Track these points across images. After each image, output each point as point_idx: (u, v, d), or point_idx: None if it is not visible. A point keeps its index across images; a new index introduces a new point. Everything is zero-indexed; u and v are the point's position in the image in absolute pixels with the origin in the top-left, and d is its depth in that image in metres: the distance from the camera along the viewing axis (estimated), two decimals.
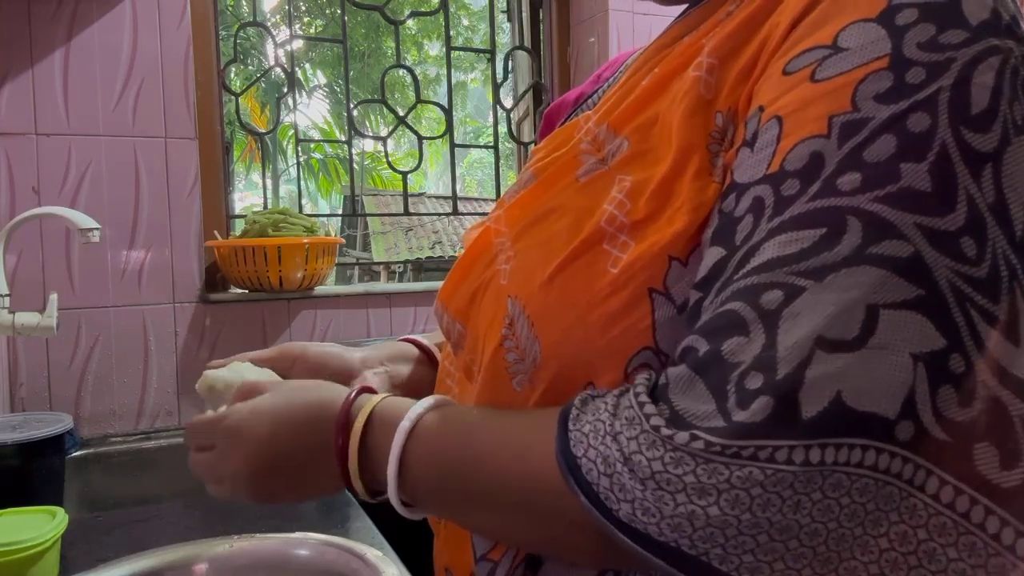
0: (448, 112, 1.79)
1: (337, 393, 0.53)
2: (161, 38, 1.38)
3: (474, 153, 14.10)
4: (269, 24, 7.63)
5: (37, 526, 0.75)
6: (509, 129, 1.89)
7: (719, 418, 0.35)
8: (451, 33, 1.79)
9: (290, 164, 12.08)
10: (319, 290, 1.52)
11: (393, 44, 5.96)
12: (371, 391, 0.53)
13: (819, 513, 0.33)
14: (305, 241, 1.45)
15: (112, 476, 1.29)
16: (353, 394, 0.51)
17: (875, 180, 0.35)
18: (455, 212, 1.98)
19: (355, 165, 2.45)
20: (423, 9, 2.79)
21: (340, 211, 9.97)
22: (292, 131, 2.05)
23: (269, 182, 9.51)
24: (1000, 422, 0.34)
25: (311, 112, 12.60)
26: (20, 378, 1.31)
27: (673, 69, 0.46)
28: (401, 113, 1.78)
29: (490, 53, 1.85)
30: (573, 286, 0.43)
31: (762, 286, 0.36)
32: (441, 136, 1.86)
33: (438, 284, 0.54)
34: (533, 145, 0.53)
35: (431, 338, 0.74)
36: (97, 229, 1.08)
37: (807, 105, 0.38)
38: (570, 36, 1.85)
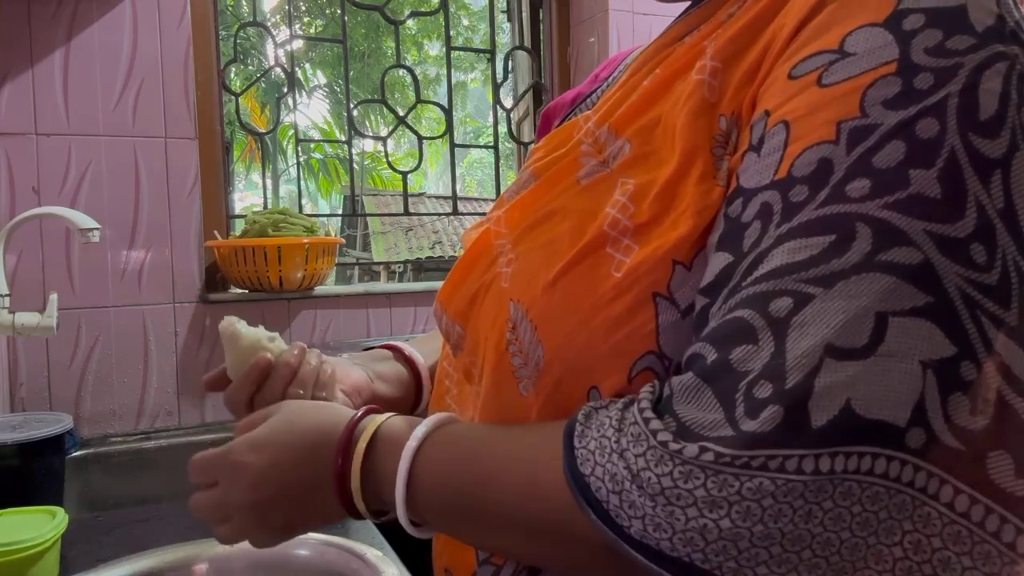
0: (448, 112, 1.79)
1: (341, 416, 0.52)
2: (161, 38, 1.38)
3: (474, 153, 14.10)
4: (269, 24, 7.63)
5: (37, 526, 0.75)
6: (509, 129, 1.89)
7: (728, 427, 0.34)
8: (451, 33, 1.79)
9: (290, 164, 12.09)
10: (319, 290, 1.52)
11: (393, 44, 5.96)
12: (377, 411, 0.52)
13: (831, 522, 0.33)
14: (305, 241, 1.45)
15: (112, 476, 1.29)
16: (358, 415, 0.51)
17: (884, 187, 0.35)
18: (455, 212, 1.98)
19: (355, 165, 2.45)
20: (423, 9, 2.79)
21: (340, 211, 9.97)
22: (292, 131, 2.05)
23: (269, 182, 9.51)
24: (1013, 429, 0.34)
25: (311, 112, 12.61)
26: (20, 378, 1.31)
27: (675, 71, 0.46)
28: (401, 113, 1.78)
29: (490, 53, 1.85)
30: (576, 290, 0.43)
31: (771, 293, 0.36)
32: (441, 136, 1.86)
33: (438, 284, 0.54)
34: (533, 145, 0.53)
35: (415, 343, 0.74)
36: (97, 229, 1.08)
37: (815, 110, 0.37)
38: (570, 36, 1.85)
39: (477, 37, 11.76)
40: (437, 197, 8.33)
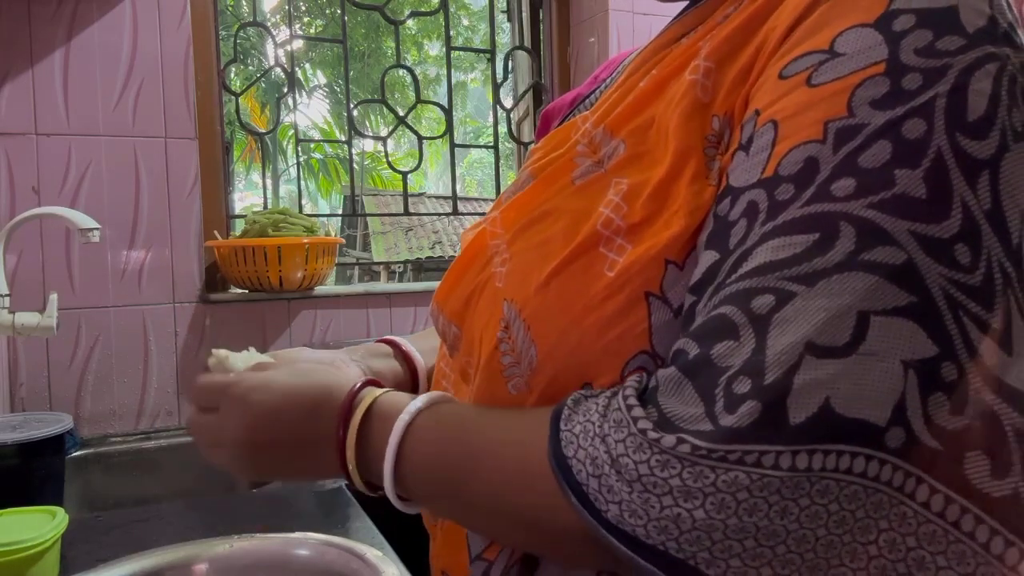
0: (448, 112, 1.79)
1: (346, 380, 0.52)
2: (161, 38, 1.38)
3: (474, 153, 14.10)
4: (269, 24, 7.63)
5: (37, 526, 0.75)
6: (509, 129, 1.89)
7: (706, 422, 0.35)
8: (451, 33, 1.79)
9: (290, 164, 12.09)
10: (319, 290, 1.52)
11: (393, 44, 5.96)
12: (377, 384, 0.53)
13: (807, 519, 0.33)
14: (305, 241, 1.45)
15: (112, 476, 1.30)
16: (358, 385, 0.51)
17: (869, 186, 0.35)
18: (455, 212, 1.98)
19: (355, 165, 2.45)
20: (423, 9, 2.80)
21: (340, 211, 9.97)
22: (292, 131, 2.05)
23: (269, 182, 9.51)
24: (992, 431, 0.34)
25: (311, 112, 12.61)
26: (20, 378, 1.31)
27: (670, 72, 0.46)
28: (401, 113, 1.78)
29: (490, 53, 1.85)
30: (569, 290, 0.43)
31: (754, 290, 0.36)
32: (441, 136, 1.86)
33: (438, 284, 0.54)
34: (532, 145, 0.53)
35: (414, 340, 0.74)
36: (97, 229, 1.08)
37: (803, 110, 0.37)
38: (570, 36, 1.85)
39: (477, 37, 11.76)
40: (437, 197, 8.34)
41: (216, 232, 1.48)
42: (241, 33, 5.23)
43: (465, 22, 11.98)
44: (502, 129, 1.86)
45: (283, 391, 0.52)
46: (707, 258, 0.40)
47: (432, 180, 14.56)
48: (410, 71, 1.90)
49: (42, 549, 0.73)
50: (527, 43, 1.87)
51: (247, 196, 13.67)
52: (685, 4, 0.52)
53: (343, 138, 1.85)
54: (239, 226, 1.60)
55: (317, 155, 12.50)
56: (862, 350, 0.33)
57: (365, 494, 0.52)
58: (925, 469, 0.34)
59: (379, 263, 6.99)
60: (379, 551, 0.70)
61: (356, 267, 2.16)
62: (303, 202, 4.76)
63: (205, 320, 1.43)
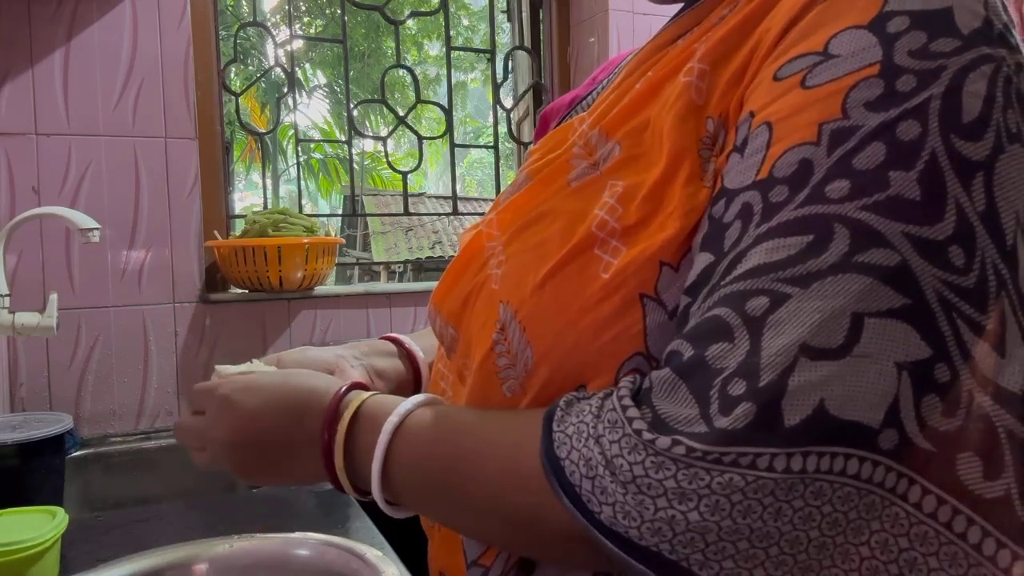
0: (448, 112, 1.79)
1: (330, 384, 0.53)
2: (161, 38, 1.38)
3: (474, 153, 14.10)
4: (269, 24, 7.63)
5: (37, 526, 0.75)
6: (509, 129, 1.89)
7: (701, 424, 0.35)
8: (451, 33, 1.79)
9: (290, 164, 12.09)
10: (319, 290, 1.52)
11: (393, 44, 5.96)
12: (363, 387, 0.53)
13: (800, 521, 0.33)
14: (305, 241, 1.45)
15: (112, 476, 1.30)
16: (344, 388, 0.51)
17: (863, 188, 0.35)
18: (455, 212, 1.98)
19: (355, 165, 2.45)
20: (423, 9, 2.80)
21: (340, 211, 9.97)
22: (292, 131, 2.05)
23: (269, 182, 9.51)
24: (984, 433, 0.34)
25: (311, 112, 12.61)
26: (20, 378, 1.31)
27: (665, 74, 0.46)
28: (401, 113, 1.78)
29: (490, 53, 1.85)
30: (564, 291, 0.43)
31: (748, 292, 0.36)
32: (441, 136, 1.86)
33: (436, 286, 0.54)
34: (531, 146, 0.53)
35: (418, 337, 0.74)
36: (97, 229, 1.08)
37: (797, 111, 0.37)
38: (570, 36, 1.85)
39: (477, 37, 11.76)
40: (437, 197, 8.33)
41: (216, 232, 1.47)
42: (241, 33, 5.23)
43: (465, 22, 11.98)
44: (502, 129, 1.86)
45: (266, 392, 0.53)
46: (702, 260, 0.40)
47: (432, 180, 14.56)
48: (410, 71, 1.90)
49: (42, 549, 0.73)
50: (527, 43, 1.87)
51: (247, 196, 13.67)
52: (682, 5, 0.52)
53: (343, 138, 1.85)
54: (239, 226, 1.59)
55: (317, 155, 12.50)
56: (856, 352, 0.33)
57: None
58: (918, 470, 0.34)
59: (379, 263, 6.99)
60: (379, 551, 0.70)
61: (356, 267, 2.16)
62: (303, 202, 4.76)
63: (205, 320, 1.43)
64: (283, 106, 1.69)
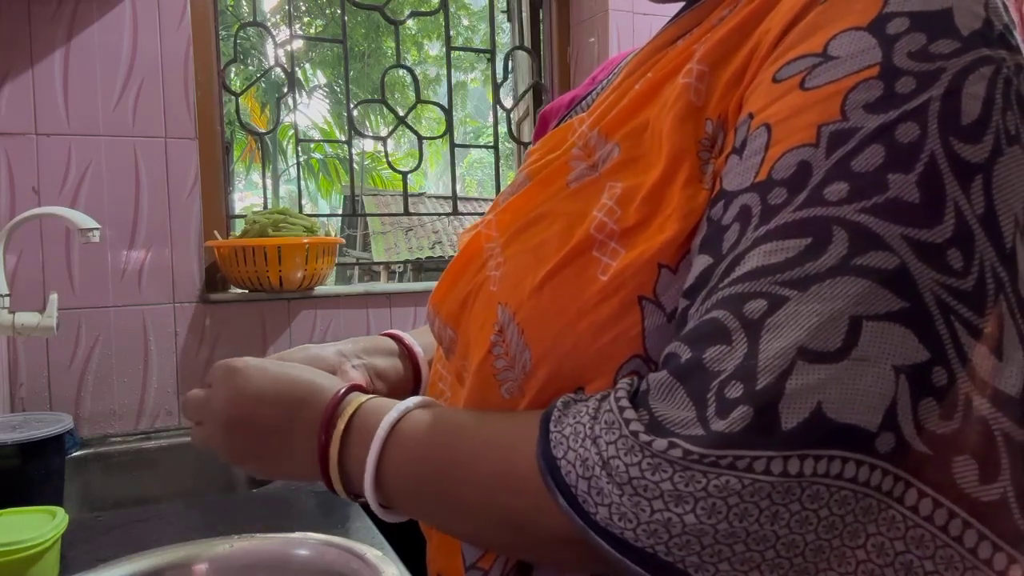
0: (448, 112, 1.79)
1: (332, 383, 0.53)
2: (161, 38, 1.38)
3: (474, 153, 14.10)
4: (269, 24, 7.63)
5: (37, 526, 0.75)
6: (509, 129, 1.89)
7: (698, 426, 0.35)
8: (451, 33, 1.79)
9: (290, 164, 12.09)
10: (319, 290, 1.52)
11: (393, 44, 5.96)
12: (361, 389, 0.53)
13: (797, 524, 0.33)
14: (305, 241, 1.45)
15: (112, 476, 1.30)
16: (342, 391, 0.51)
17: (862, 191, 0.35)
18: (455, 212, 1.98)
19: (355, 165, 2.45)
20: (423, 9, 2.80)
21: (340, 211, 9.97)
22: (292, 131, 2.05)
23: (269, 182, 9.51)
24: (981, 436, 0.34)
25: (311, 112, 12.60)
26: (20, 378, 1.31)
27: (665, 75, 0.46)
28: (401, 113, 1.78)
29: (490, 53, 1.85)
30: (563, 293, 0.43)
31: (746, 295, 0.36)
32: (441, 136, 1.86)
33: (435, 287, 0.54)
34: (531, 147, 0.53)
35: (419, 335, 0.74)
36: (97, 229, 1.08)
37: (796, 113, 0.37)
38: (570, 36, 1.85)
39: (477, 37, 11.76)
40: (437, 197, 8.33)
41: (216, 232, 1.47)
42: (241, 33, 5.23)
43: (465, 22, 11.98)
44: (502, 129, 1.86)
45: (272, 376, 0.53)
46: (700, 262, 0.39)
47: (432, 180, 14.55)
48: (410, 71, 1.90)
49: (42, 549, 0.73)
50: (527, 43, 1.87)
51: (247, 196, 13.66)
52: (682, 5, 0.52)
53: (343, 138, 1.85)
54: (239, 226, 1.59)
55: (317, 155, 12.50)
56: (854, 355, 0.33)
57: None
58: (914, 473, 0.34)
59: (379, 263, 6.99)
60: (379, 551, 0.70)
61: (356, 267, 2.16)
62: (303, 202, 4.76)
63: (205, 320, 1.43)
64: (283, 106, 1.69)
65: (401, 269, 6.71)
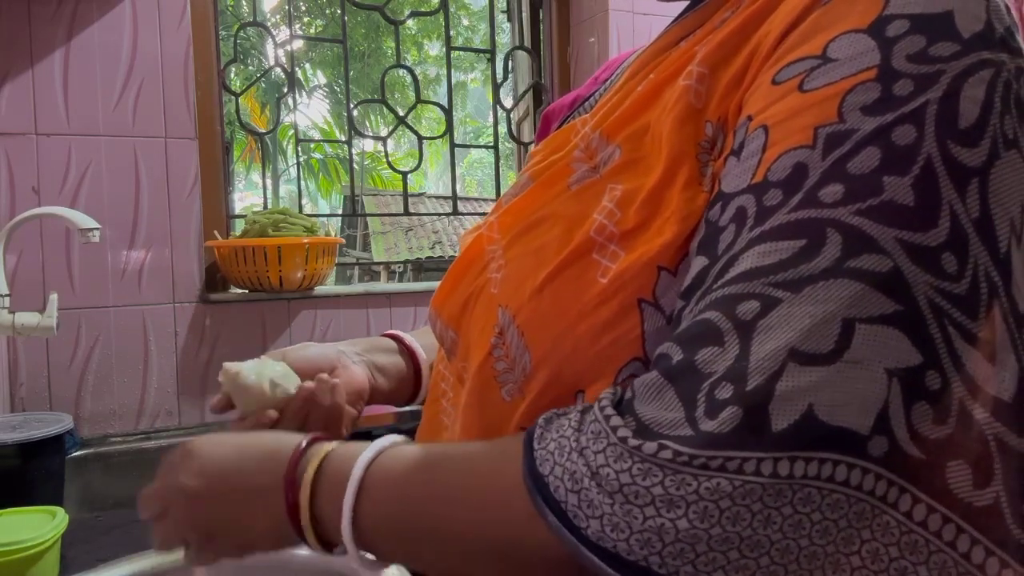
0: (448, 112, 1.79)
1: (297, 437, 0.50)
2: (161, 38, 1.38)
3: (474, 153, 14.10)
4: (269, 24, 7.63)
5: (37, 526, 0.75)
6: (509, 129, 1.89)
7: (687, 427, 0.34)
8: (451, 33, 1.79)
9: (290, 164, 12.08)
10: (319, 290, 1.52)
11: (393, 44, 5.96)
12: (323, 439, 0.50)
13: (790, 529, 0.33)
14: (305, 241, 1.45)
15: (112, 476, 1.29)
16: (304, 443, 0.48)
17: (857, 193, 0.35)
18: (455, 212, 1.98)
19: (355, 165, 2.45)
20: (423, 9, 2.79)
21: (340, 211, 9.97)
22: (292, 131, 2.05)
23: (269, 182, 9.51)
24: (974, 440, 0.34)
25: (311, 112, 12.60)
26: (20, 378, 1.31)
27: (666, 77, 0.46)
28: (401, 113, 1.78)
29: (490, 53, 1.85)
30: (563, 296, 0.43)
31: (739, 296, 0.36)
32: (441, 136, 1.86)
33: (438, 284, 0.54)
34: (532, 146, 0.53)
35: (419, 335, 0.74)
36: (97, 229, 1.08)
37: (794, 115, 0.37)
38: (570, 36, 1.85)
39: (477, 37, 11.76)
40: (437, 197, 8.34)
41: (216, 232, 1.47)
42: (241, 33, 5.23)
43: (465, 22, 11.99)
44: (502, 129, 1.86)
45: (232, 444, 0.51)
46: (697, 263, 0.39)
47: (432, 180, 14.55)
48: (410, 71, 1.90)
49: (42, 549, 0.73)
50: (527, 43, 1.87)
51: (247, 196, 13.66)
52: (685, 5, 0.52)
53: (343, 138, 1.85)
54: (239, 226, 1.59)
55: (317, 155, 12.50)
56: (846, 358, 0.33)
57: None
58: (908, 478, 0.33)
59: (379, 263, 6.99)
60: None
61: (356, 267, 2.16)
62: (303, 202, 4.76)
63: (205, 320, 1.43)
64: (283, 106, 1.69)
65: (401, 269, 6.71)
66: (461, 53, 9.61)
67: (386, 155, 1.88)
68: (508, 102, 1.91)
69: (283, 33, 1.87)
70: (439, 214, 4.15)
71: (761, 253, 0.36)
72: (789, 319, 0.34)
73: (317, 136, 11.71)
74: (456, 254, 0.53)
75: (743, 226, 0.37)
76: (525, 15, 1.88)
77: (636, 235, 0.42)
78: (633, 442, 0.35)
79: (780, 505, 0.33)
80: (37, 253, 1.31)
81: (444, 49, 1.82)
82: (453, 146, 1.81)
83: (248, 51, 10.64)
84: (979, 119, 0.35)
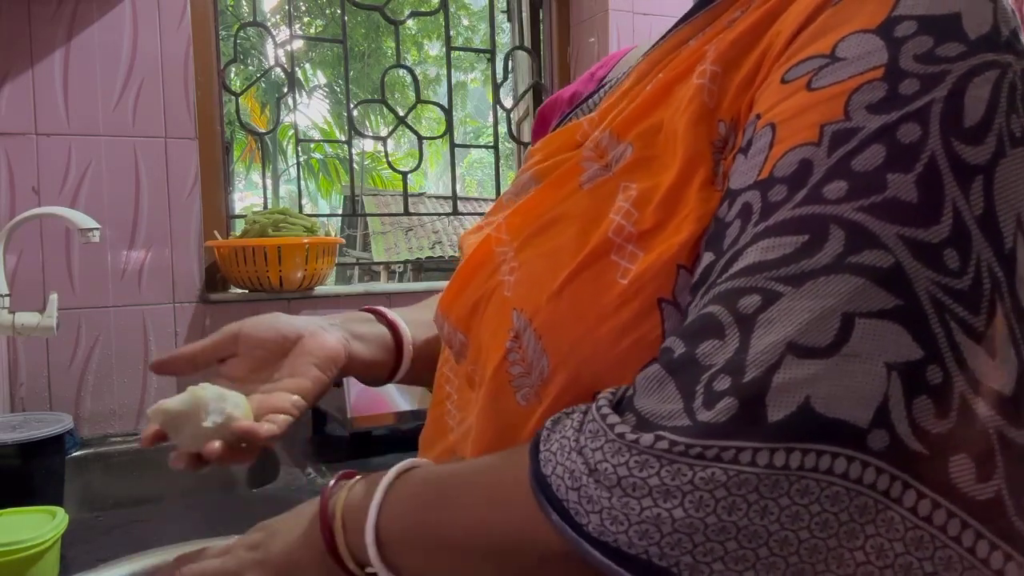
0: (448, 112, 1.79)
1: (314, 505, 0.54)
2: (161, 38, 1.38)
3: (474, 153, 14.10)
4: (269, 24, 7.63)
5: (37, 526, 0.75)
6: (509, 129, 1.89)
7: (684, 417, 0.35)
8: (451, 33, 1.79)
9: (290, 164, 12.08)
10: (319, 290, 1.52)
11: (393, 44, 5.96)
12: (349, 476, 0.54)
13: (788, 520, 0.33)
14: (305, 241, 1.45)
15: (112, 476, 1.30)
16: (327, 495, 0.53)
17: (861, 189, 0.35)
18: (455, 212, 1.98)
19: (355, 165, 2.46)
20: (423, 9, 2.80)
21: (340, 211, 9.97)
22: (292, 131, 2.05)
23: (269, 182, 9.50)
24: (975, 433, 0.34)
25: (311, 112, 12.60)
26: (20, 378, 1.31)
27: (677, 75, 0.46)
28: (401, 113, 1.78)
29: (490, 53, 1.85)
30: (582, 298, 0.43)
31: (741, 290, 0.36)
32: (441, 136, 1.86)
33: (438, 284, 0.54)
34: (531, 145, 0.53)
35: (405, 312, 0.74)
36: (97, 229, 1.08)
37: (801, 113, 0.38)
38: (570, 36, 1.85)
39: (477, 37, 11.76)
40: (437, 197, 8.33)
41: (216, 232, 1.48)
42: (241, 33, 5.23)
43: (465, 22, 11.98)
44: (502, 129, 1.86)
45: (272, 525, 0.57)
46: (704, 259, 0.40)
47: (432, 180, 14.55)
48: (410, 71, 1.90)
49: (42, 549, 0.73)
50: (527, 43, 1.87)
51: (247, 196, 13.66)
52: (693, 4, 0.52)
53: (343, 138, 1.85)
54: (239, 226, 1.60)
55: (317, 155, 12.50)
56: (845, 351, 0.33)
57: None
58: (911, 473, 0.33)
59: (379, 263, 6.98)
60: None
61: (356, 267, 2.16)
62: (303, 202, 4.76)
63: (205, 320, 1.43)
64: (283, 106, 1.69)
65: (401, 269, 6.70)
66: (461, 53, 9.61)
67: (386, 155, 1.88)
68: (508, 102, 1.91)
69: (283, 33, 1.87)
70: (439, 214, 4.15)
71: (764, 248, 0.36)
72: (789, 313, 0.34)
73: (317, 136, 11.72)
74: (456, 254, 0.53)
75: (748, 221, 0.38)
76: (525, 15, 1.88)
77: (654, 235, 0.42)
78: (631, 436, 0.36)
79: (776, 496, 0.33)
80: (37, 253, 1.31)
81: (444, 49, 1.82)
82: (453, 146, 1.81)
83: (248, 51, 10.64)
84: (984, 117, 0.35)
